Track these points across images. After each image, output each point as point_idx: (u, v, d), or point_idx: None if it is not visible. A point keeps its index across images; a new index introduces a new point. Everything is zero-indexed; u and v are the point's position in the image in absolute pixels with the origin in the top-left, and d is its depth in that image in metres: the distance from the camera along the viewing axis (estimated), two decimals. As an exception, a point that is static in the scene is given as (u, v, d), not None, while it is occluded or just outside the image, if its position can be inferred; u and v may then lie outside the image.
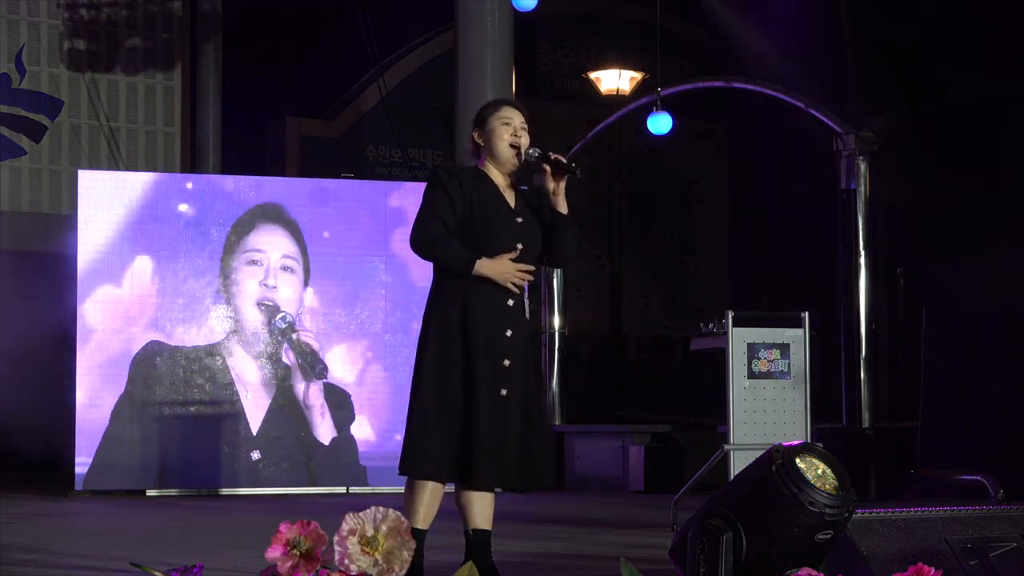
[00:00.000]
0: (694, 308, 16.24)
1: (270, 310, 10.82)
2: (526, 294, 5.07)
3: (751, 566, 3.83)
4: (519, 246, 4.94)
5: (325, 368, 10.87)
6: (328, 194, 11.09)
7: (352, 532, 2.98)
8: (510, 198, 5.05)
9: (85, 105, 13.38)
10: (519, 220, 5.00)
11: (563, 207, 5.02)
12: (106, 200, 10.71)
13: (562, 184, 5.00)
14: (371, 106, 15.12)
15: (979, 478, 7.03)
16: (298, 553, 2.95)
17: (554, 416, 12.65)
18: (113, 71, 13.56)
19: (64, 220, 12.01)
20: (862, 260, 11.30)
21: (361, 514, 3.02)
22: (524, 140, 5.05)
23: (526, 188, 5.13)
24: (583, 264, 15.78)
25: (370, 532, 2.99)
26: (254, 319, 10.81)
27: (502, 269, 4.88)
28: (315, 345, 10.87)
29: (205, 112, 14.11)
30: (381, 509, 3.03)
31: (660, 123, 12.15)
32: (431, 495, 4.89)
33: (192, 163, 13.89)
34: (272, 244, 10.87)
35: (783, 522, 3.81)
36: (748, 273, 16.82)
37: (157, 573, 3.19)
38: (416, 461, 4.88)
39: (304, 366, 10.84)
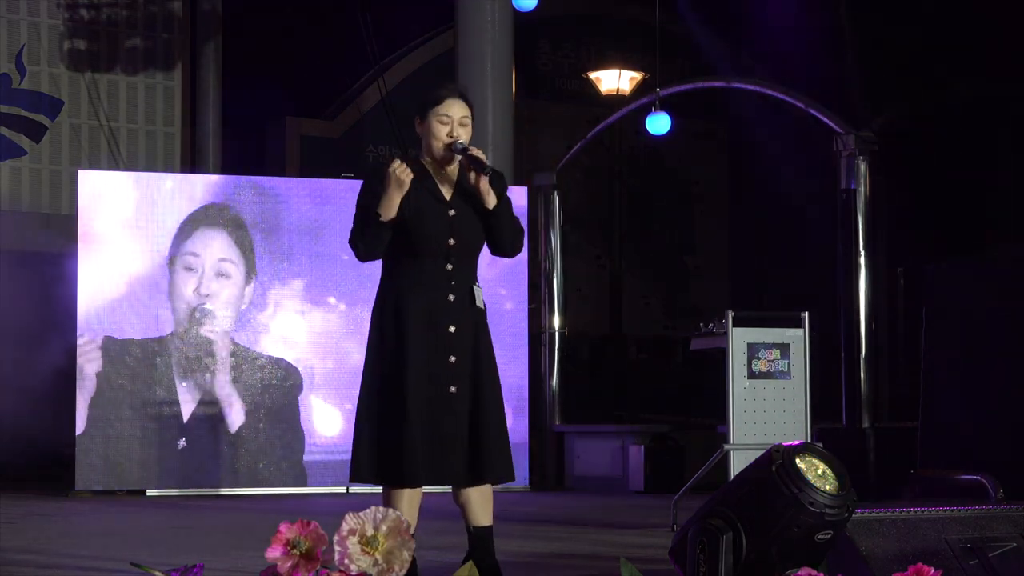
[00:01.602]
0: (694, 308, 16.24)
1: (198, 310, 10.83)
2: (477, 287, 4.99)
3: (751, 566, 3.83)
4: (451, 241, 4.87)
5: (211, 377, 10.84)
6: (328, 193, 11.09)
7: (352, 532, 2.98)
8: (447, 189, 4.95)
9: (85, 105, 13.38)
10: (451, 213, 4.91)
11: (489, 202, 4.91)
12: (106, 200, 10.71)
13: (482, 180, 4.89)
14: (371, 106, 15.12)
15: (979, 478, 7.03)
16: (298, 553, 2.95)
17: (554, 416, 12.65)
18: (113, 71, 13.56)
19: (64, 220, 12.01)
20: (862, 260, 11.30)
21: (361, 514, 3.02)
22: (464, 135, 4.91)
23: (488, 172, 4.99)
24: (583, 264, 15.79)
25: (370, 532, 2.99)
26: (185, 315, 10.82)
27: (389, 178, 4.79)
28: (216, 340, 10.83)
29: (205, 112, 14.11)
30: (381, 509, 3.03)
31: (660, 123, 12.15)
32: (408, 502, 4.83)
33: (192, 163, 13.89)
34: (208, 249, 10.86)
35: (783, 522, 3.81)
36: (748, 273, 16.83)
37: (157, 573, 3.19)
38: (360, 468, 4.82)
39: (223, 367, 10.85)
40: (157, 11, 13.82)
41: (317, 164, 14.33)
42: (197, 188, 10.99)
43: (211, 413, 10.79)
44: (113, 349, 10.67)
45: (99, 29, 13.52)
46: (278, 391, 10.93)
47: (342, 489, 10.85)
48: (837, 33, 12.87)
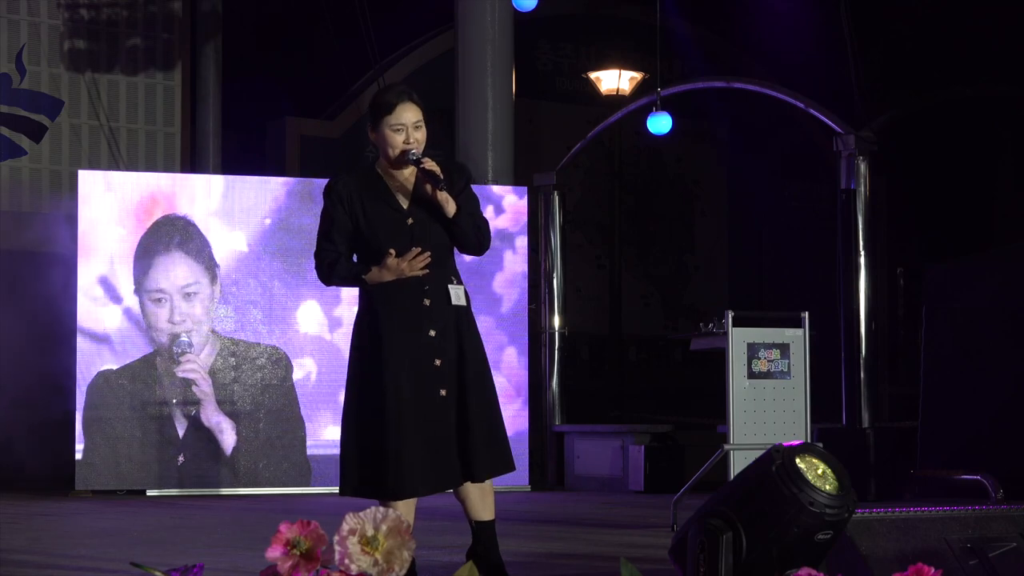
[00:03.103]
0: (694, 308, 16.25)
1: (172, 338, 10.83)
2: (453, 285, 4.95)
3: (751, 566, 3.83)
4: (415, 249, 4.78)
5: (197, 406, 10.83)
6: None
7: (352, 532, 2.98)
8: (403, 197, 4.89)
9: (85, 105, 13.38)
10: (409, 222, 4.85)
11: (449, 211, 4.83)
12: (106, 200, 10.72)
13: (439, 192, 4.82)
14: (371, 106, 15.11)
15: (979, 478, 7.04)
16: (298, 553, 2.95)
17: (554, 416, 12.65)
18: (113, 71, 13.56)
19: (64, 220, 12.00)
20: (862, 260, 11.29)
21: (361, 514, 3.01)
22: (419, 137, 4.85)
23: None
24: (583, 264, 15.79)
25: (370, 532, 2.98)
26: (161, 341, 10.84)
27: (395, 268, 4.76)
28: (198, 379, 10.84)
29: (205, 112, 14.10)
30: (381, 509, 3.03)
31: (660, 123, 12.15)
32: (405, 505, 4.78)
33: (192, 163, 13.89)
34: (172, 277, 10.85)
35: (783, 522, 3.81)
36: (748, 273, 16.83)
37: (157, 573, 3.18)
38: (348, 482, 4.79)
39: (190, 400, 10.85)
40: (157, 11, 13.81)
41: (317, 164, 14.33)
42: (196, 188, 11.00)
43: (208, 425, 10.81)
44: (113, 349, 10.66)
45: (99, 29, 13.52)
46: (278, 391, 10.93)
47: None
48: (837, 33, 12.87)
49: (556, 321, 12.86)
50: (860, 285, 11.30)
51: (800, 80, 13.02)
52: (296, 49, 15.09)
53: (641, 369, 16.43)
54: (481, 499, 4.89)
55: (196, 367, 10.78)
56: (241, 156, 14.27)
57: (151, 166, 13.43)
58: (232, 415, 10.83)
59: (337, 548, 2.97)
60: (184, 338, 10.77)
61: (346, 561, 2.95)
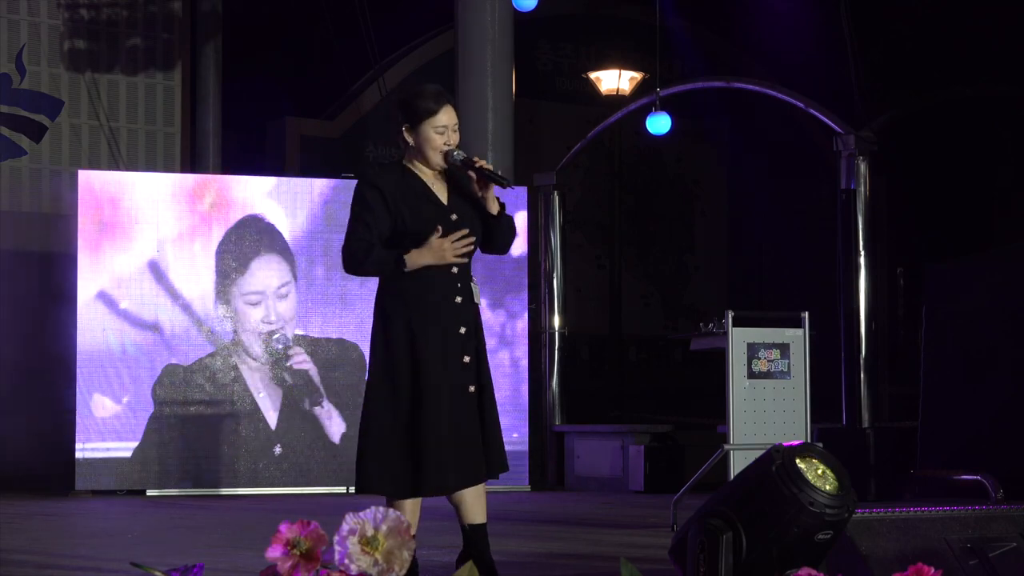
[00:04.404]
0: (694, 308, 16.25)
1: (269, 336, 10.89)
2: (474, 284, 4.99)
3: (751, 566, 3.83)
4: (461, 231, 4.82)
5: (321, 397, 10.92)
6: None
7: (352, 532, 2.98)
8: (441, 191, 4.94)
9: (85, 105, 13.38)
10: (453, 218, 4.89)
11: (493, 208, 4.92)
12: (106, 200, 10.72)
13: (490, 191, 4.90)
14: (371, 106, 15.12)
15: (979, 478, 7.03)
16: (298, 553, 2.95)
17: (554, 416, 12.65)
18: (113, 71, 13.56)
19: (64, 220, 12.00)
20: (862, 260, 11.30)
21: (361, 514, 3.01)
22: (456, 139, 4.90)
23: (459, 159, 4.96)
24: (583, 264, 15.79)
25: (370, 532, 2.98)
26: (254, 342, 10.91)
27: (438, 250, 4.77)
28: (311, 371, 10.91)
29: (205, 112, 14.09)
30: (381, 509, 3.03)
31: (660, 123, 12.15)
32: (412, 503, 4.83)
33: (192, 163, 13.89)
34: (268, 279, 10.95)
35: (783, 522, 3.81)
36: (748, 273, 16.83)
37: (157, 573, 3.18)
38: (369, 481, 4.79)
39: (300, 392, 10.92)
40: (157, 11, 13.81)
41: (317, 164, 14.33)
42: (200, 187, 11.00)
43: (210, 413, 10.80)
44: (113, 349, 10.66)
45: (99, 29, 13.51)
46: (213, 383, 10.95)
47: (342, 489, 10.85)
48: (837, 33, 12.87)
49: (556, 321, 12.86)
50: (860, 285, 11.30)
51: (800, 80, 13.02)
52: (296, 49, 15.08)
53: (641, 369, 16.43)
54: (478, 501, 4.90)
55: (306, 358, 10.87)
56: (241, 156, 14.26)
57: (151, 166, 13.43)
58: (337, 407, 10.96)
59: (337, 548, 2.97)
60: (279, 335, 10.84)
61: (346, 561, 2.95)
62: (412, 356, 4.79)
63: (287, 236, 11.01)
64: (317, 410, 10.94)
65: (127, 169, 13.07)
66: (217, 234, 10.89)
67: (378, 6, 13.63)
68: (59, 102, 13.19)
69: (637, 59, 15.11)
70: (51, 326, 11.68)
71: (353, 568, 2.95)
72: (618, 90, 14.91)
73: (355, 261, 4.84)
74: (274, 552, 2.96)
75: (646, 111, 12.34)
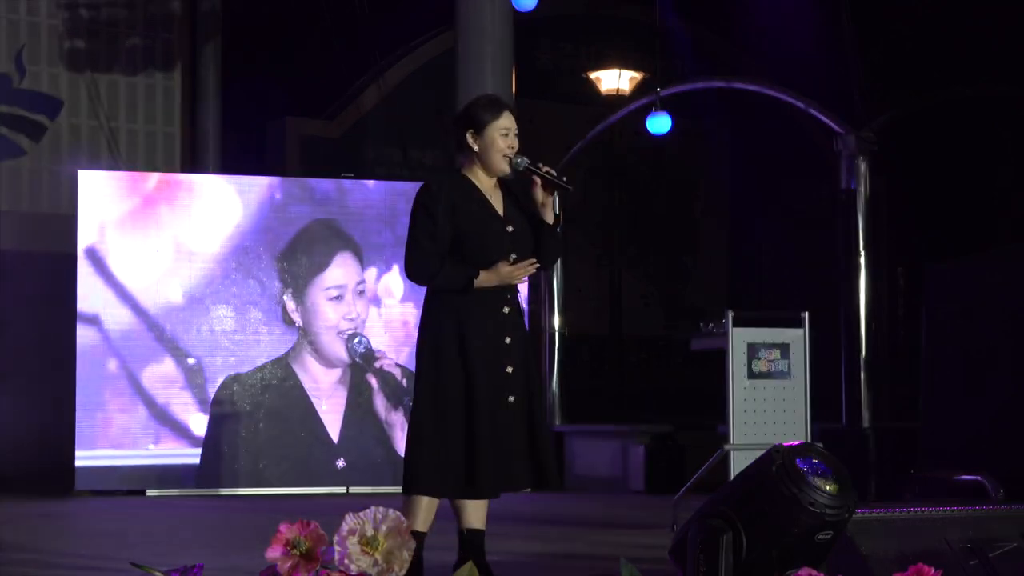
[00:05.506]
0: (694, 308, 16.23)
1: (349, 337, 10.91)
2: (522, 298, 5.08)
3: (751, 566, 3.83)
4: (512, 257, 4.94)
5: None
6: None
7: (352, 532, 2.98)
8: (497, 202, 5.02)
9: (85, 105, 13.37)
10: (509, 229, 4.98)
11: (550, 217, 5.01)
12: (106, 200, 10.72)
13: (551, 197, 4.97)
14: (371, 106, 15.11)
15: (979, 478, 7.03)
16: (298, 553, 2.95)
17: (554, 416, 12.65)
18: (113, 71, 13.55)
19: (64, 220, 12.00)
20: (862, 260, 11.30)
21: (361, 514, 3.02)
22: (516, 144, 5.00)
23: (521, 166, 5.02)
24: (583, 264, 15.78)
25: (370, 532, 2.98)
26: (331, 341, 10.92)
27: (506, 275, 4.89)
28: (397, 373, 10.93)
29: (205, 112, 14.09)
30: (381, 509, 3.03)
31: (660, 123, 12.15)
32: (428, 502, 4.92)
33: (192, 163, 13.89)
34: (347, 275, 11.02)
35: (783, 522, 3.81)
36: (748, 273, 16.82)
37: (157, 573, 3.19)
38: (418, 480, 4.90)
39: (388, 393, 10.93)
40: (157, 11, 13.80)
41: (317, 164, 14.32)
42: (202, 187, 11.00)
43: (212, 413, 10.80)
44: (113, 349, 10.66)
45: (99, 29, 13.51)
46: (277, 391, 10.93)
47: (342, 489, 10.85)
48: (837, 32, 12.86)
49: (556, 321, 12.86)
50: (860, 285, 11.30)
51: (800, 80, 13.01)
52: (296, 49, 15.07)
53: (641, 369, 16.42)
54: (480, 508, 5.00)
55: (391, 361, 10.88)
56: (241, 156, 14.26)
57: (151, 166, 13.43)
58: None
59: (337, 548, 2.97)
60: (359, 339, 10.86)
61: (346, 561, 2.95)
62: (461, 363, 4.89)
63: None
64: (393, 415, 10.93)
65: (127, 169, 13.06)
66: (218, 235, 10.88)
67: (378, 6, 13.62)
68: (59, 102, 13.19)
69: (637, 59, 15.10)
70: (51, 326, 11.67)
71: (353, 568, 2.95)
72: (618, 90, 14.90)
73: (426, 274, 4.93)
74: (274, 552, 2.96)
75: (646, 111, 12.33)
